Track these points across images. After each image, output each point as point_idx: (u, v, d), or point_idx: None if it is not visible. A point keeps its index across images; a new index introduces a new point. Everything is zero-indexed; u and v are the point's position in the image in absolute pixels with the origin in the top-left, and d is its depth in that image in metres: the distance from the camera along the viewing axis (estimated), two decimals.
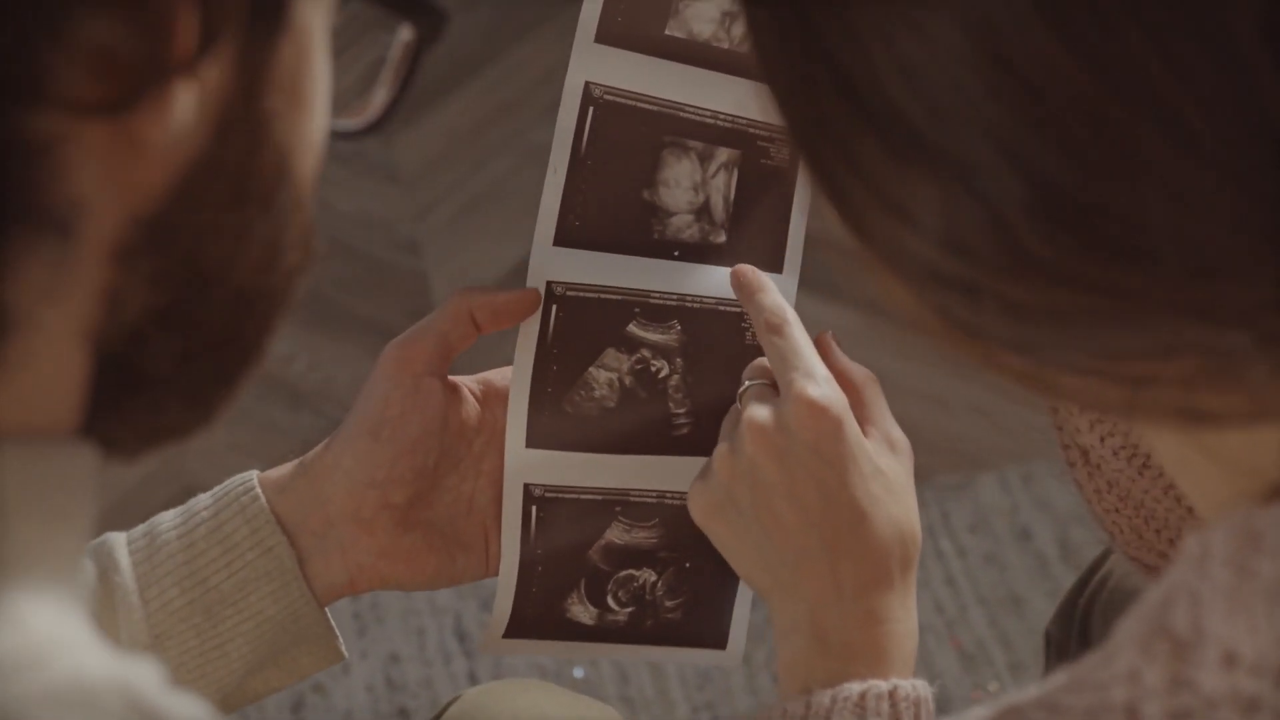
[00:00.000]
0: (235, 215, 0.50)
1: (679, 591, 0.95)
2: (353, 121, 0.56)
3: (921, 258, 0.54)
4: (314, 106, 0.51)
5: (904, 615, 0.85)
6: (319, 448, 0.92)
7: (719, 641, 0.96)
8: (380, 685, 1.84)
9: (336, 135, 0.54)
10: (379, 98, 0.56)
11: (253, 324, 0.52)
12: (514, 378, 0.92)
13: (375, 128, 0.56)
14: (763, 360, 0.90)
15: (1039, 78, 0.50)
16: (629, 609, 0.95)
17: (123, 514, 2.03)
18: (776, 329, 0.87)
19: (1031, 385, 0.56)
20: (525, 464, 0.93)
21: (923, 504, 1.95)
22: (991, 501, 1.96)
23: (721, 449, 0.86)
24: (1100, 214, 0.50)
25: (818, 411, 0.84)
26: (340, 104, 0.54)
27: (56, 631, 0.47)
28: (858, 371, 0.88)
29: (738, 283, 0.90)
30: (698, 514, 0.87)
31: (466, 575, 0.94)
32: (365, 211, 2.36)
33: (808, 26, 0.53)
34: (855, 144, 0.54)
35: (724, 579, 0.96)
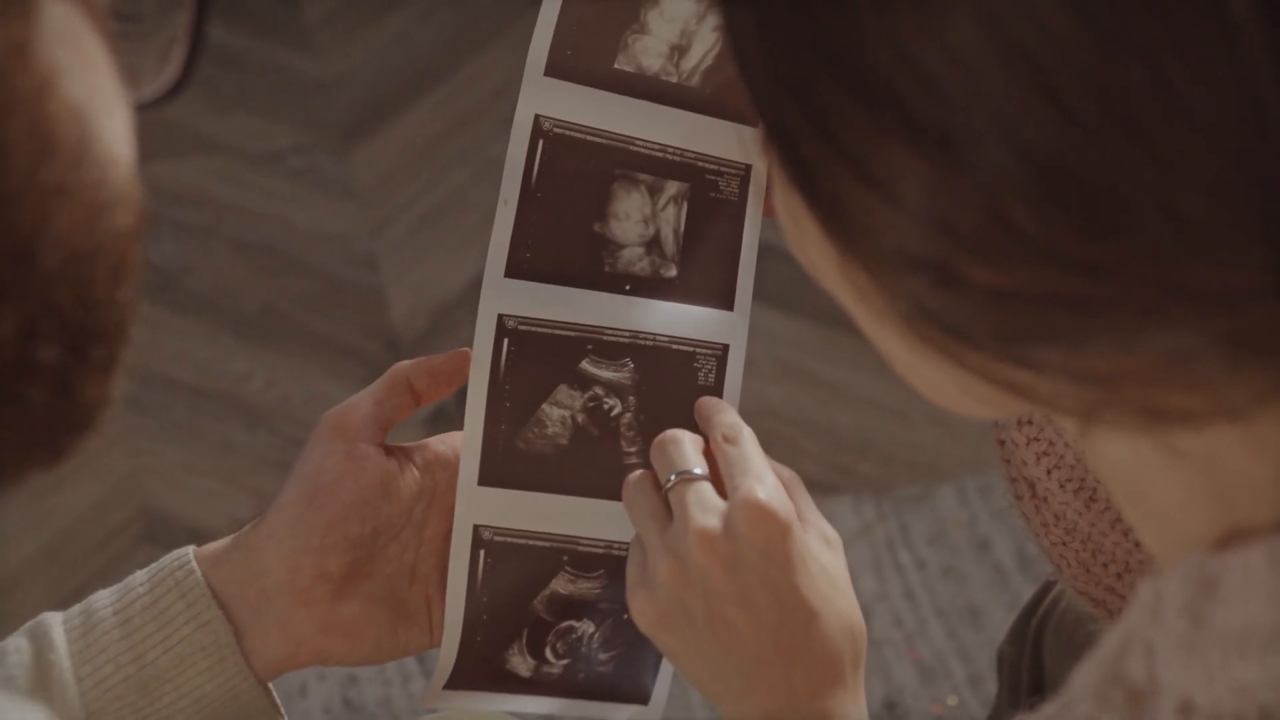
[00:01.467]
0: (42, 175, 0.49)
1: (613, 644, 0.94)
2: (155, 85, 0.56)
3: (900, 240, 0.54)
4: (104, 62, 0.51)
5: (855, 712, 0.84)
6: (254, 521, 0.92)
7: (642, 697, 0.95)
8: (338, 706, 1.84)
9: (145, 105, 0.54)
10: (176, 56, 0.55)
11: (91, 291, 0.51)
12: (467, 415, 0.92)
13: (179, 88, 0.56)
14: (676, 449, 0.88)
15: (1036, 43, 0.50)
16: (564, 661, 0.94)
17: (80, 537, 2.02)
18: (732, 440, 0.88)
19: (993, 384, 0.56)
20: (477, 503, 0.92)
21: (881, 516, 1.95)
22: (950, 513, 1.97)
23: (668, 560, 0.85)
24: (1089, 184, 0.50)
25: (767, 515, 0.83)
26: (141, 78, 0.54)
27: None
28: (783, 471, 0.88)
29: (699, 413, 0.91)
30: (646, 625, 0.86)
31: (410, 647, 0.93)
32: (321, 227, 2.35)
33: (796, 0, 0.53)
34: (838, 118, 0.53)
35: None
